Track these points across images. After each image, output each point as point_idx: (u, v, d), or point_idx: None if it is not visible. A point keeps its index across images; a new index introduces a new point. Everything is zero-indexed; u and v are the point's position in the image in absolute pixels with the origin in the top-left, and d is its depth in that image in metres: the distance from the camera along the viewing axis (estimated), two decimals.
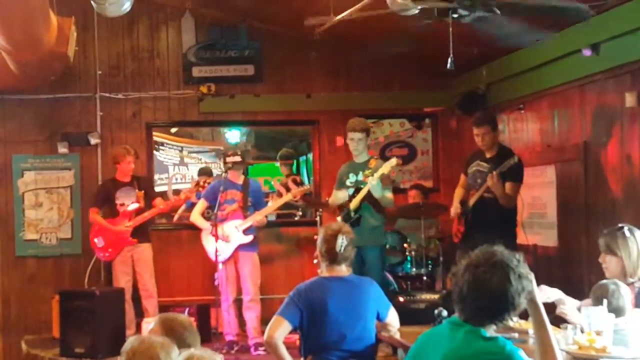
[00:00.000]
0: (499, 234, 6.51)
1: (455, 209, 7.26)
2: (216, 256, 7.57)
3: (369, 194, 6.96)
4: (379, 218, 7.21)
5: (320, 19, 6.37)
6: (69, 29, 7.28)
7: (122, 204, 8.37)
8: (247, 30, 9.45)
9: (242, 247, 7.81)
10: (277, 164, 10.42)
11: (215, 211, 7.67)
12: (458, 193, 7.36)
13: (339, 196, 7.40)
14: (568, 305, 4.46)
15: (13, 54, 6.82)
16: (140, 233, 8.33)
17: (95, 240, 8.37)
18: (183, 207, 9.48)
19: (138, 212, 8.32)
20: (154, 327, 3.54)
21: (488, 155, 7.03)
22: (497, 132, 7.13)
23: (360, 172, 7.22)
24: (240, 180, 7.97)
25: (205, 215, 8.04)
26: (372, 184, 6.91)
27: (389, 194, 7.13)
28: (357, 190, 7.12)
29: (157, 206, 8.40)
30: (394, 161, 7.12)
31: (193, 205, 8.42)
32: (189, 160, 10.09)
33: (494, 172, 6.75)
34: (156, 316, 3.89)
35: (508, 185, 6.85)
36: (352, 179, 7.34)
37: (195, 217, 8.08)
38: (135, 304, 8.29)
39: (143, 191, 8.44)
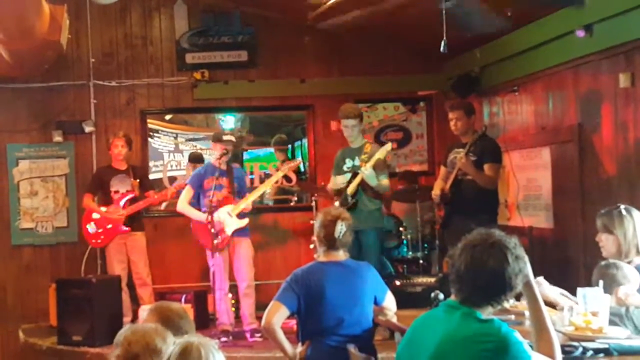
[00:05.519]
0: (477, 213, 6.67)
1: (434, 196, 7.31)
2: (213, 244, 7.50)
3: (363, 180, 6.98)
4: (376, 202, 7.24)
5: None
6: (62, 17, 7.25)
7: (117, 192, 8.36)
8: (241, 15, 9.42)
9: (236, 232, 7.75)
10: (272, 149, 10.38)
11: (205, 199, 7.58)
12: (437, 184, 7.39)
13: (338, 180, 7.40)
14: (545, 285, 4.48)
15: (6, 42, 6.80)
16: (134, 222, 8.33)
17: (88, 226, 8.37)
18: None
19: (132, 200, 8.32)
20: (148, 317, 3.51)
21: (464, 141, 7.14)
22: (472, 119, 7.21)
23: (357, 157, 7.23)
24: (223, 166, 7.84)
25: (193, 203, 7.84)
26: (366, 173, 6.94)
27: (384, 180, 7.16)
28: (355, 174, 7.13)
29: (151, 197, 8.41)
30: (389, 146, 7.14)
31: None
32: (183, 147, 10.05)
33: (462, 153, 6.89)
34: (151, 304, 3.87)
35: (487, 166, 6.99)
36: (348, 164, 7.36)
37: (183, 206, 7.78)
38: (130, 291, 8.29)
39: (138, 180, 8.43)
